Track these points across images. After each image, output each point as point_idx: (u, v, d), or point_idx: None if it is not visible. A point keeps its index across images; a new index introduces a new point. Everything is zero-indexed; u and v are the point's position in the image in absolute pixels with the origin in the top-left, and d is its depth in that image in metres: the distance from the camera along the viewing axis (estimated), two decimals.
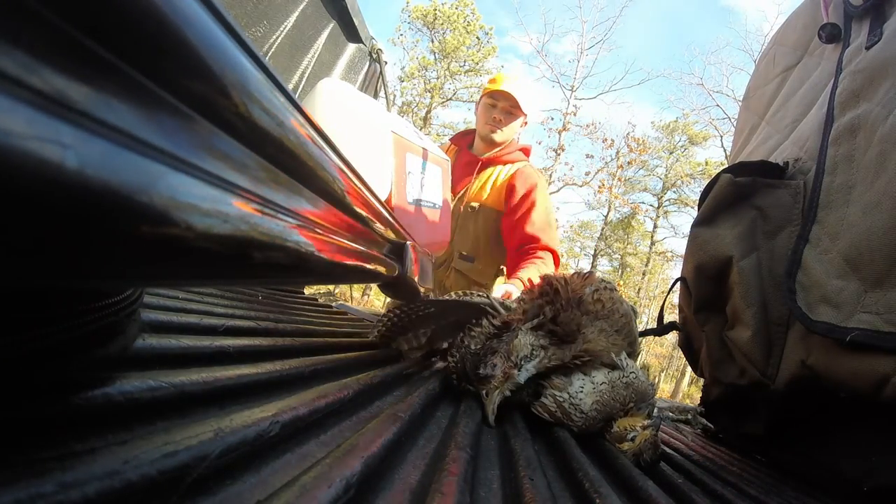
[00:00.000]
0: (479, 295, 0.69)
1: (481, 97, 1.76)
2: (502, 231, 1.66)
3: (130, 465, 0.17)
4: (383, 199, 1.22)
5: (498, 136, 1.71)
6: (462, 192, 1.73)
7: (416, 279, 0.62)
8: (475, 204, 1.70)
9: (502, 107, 1.70)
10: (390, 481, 0.29)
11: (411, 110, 13.74)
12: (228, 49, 0.16)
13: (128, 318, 0.25)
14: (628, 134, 13.78)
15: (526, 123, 1.80)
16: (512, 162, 1.74)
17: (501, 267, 1.76)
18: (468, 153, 1.80)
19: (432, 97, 13.98)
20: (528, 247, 1.56)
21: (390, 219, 0.51)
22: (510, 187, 1.65)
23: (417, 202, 1.36)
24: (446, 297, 0.68)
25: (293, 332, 0.57)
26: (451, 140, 1.90)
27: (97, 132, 0.11)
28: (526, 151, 1.79)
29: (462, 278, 1.72)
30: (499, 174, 1.71)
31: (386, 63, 2.42)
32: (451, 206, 1.67)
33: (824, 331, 0.61)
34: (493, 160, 1.73)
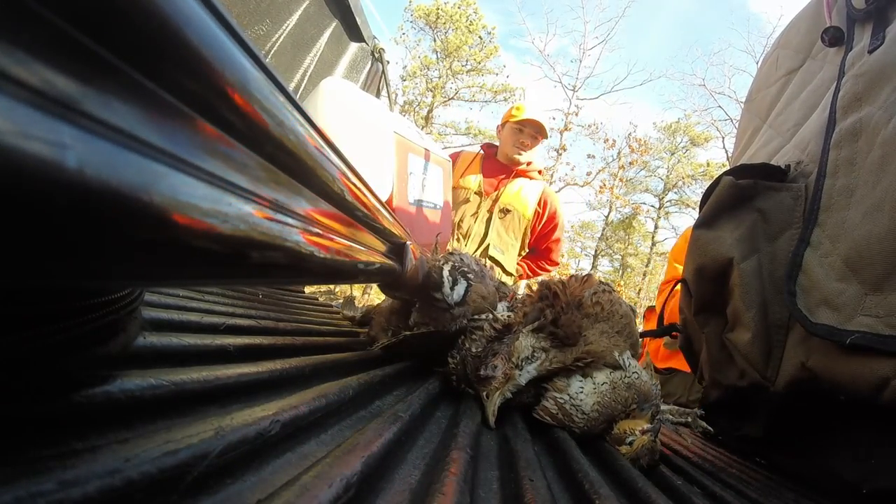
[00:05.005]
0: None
1: (505, 123, 2.08)
2: (532, 235, 2.11)
3: (131, 464, 0.17)
4: (385, 199, 1.22)
5: (523, 157, 2.07)
6: (494, 194, 2.08)
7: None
8: (509, 207, 2.05)
9: (528, 132, 2.04)
10: (390, 481, 0.29)
11: (413, 109, 13.74)
12: (228, 49, 0.16)
13: (129, 316, 0.25)
14: (630, 134, 13.79)
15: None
16: (532, 179, 2.11)
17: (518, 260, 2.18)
18: (498, 161, 2.14)
19: (434, 96, 13.97)
20: (542, 254, 2.16)
21: (390, 219, 0.51)
22: (544, 203, 2.09)
23: (418, 202, 1.36)
24: None
25: (294, 330, 0.57)
26: (482, 147, 2.21)
27: (97, 132, 0.11)
28: (541, 173, 2.19)
29: (497, 266, 2.08)
30: (524, 186, 2.08)
31: (388, 62, 2.43)
32: (479, 204, 2.07)
33: (824, 333, 0.61)
34: (521, 173, 2.10)
